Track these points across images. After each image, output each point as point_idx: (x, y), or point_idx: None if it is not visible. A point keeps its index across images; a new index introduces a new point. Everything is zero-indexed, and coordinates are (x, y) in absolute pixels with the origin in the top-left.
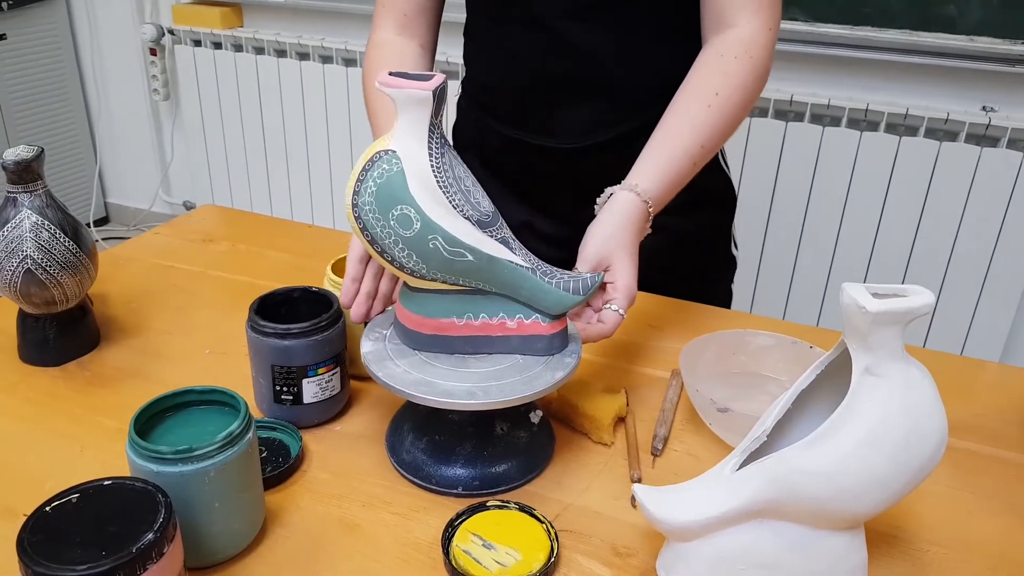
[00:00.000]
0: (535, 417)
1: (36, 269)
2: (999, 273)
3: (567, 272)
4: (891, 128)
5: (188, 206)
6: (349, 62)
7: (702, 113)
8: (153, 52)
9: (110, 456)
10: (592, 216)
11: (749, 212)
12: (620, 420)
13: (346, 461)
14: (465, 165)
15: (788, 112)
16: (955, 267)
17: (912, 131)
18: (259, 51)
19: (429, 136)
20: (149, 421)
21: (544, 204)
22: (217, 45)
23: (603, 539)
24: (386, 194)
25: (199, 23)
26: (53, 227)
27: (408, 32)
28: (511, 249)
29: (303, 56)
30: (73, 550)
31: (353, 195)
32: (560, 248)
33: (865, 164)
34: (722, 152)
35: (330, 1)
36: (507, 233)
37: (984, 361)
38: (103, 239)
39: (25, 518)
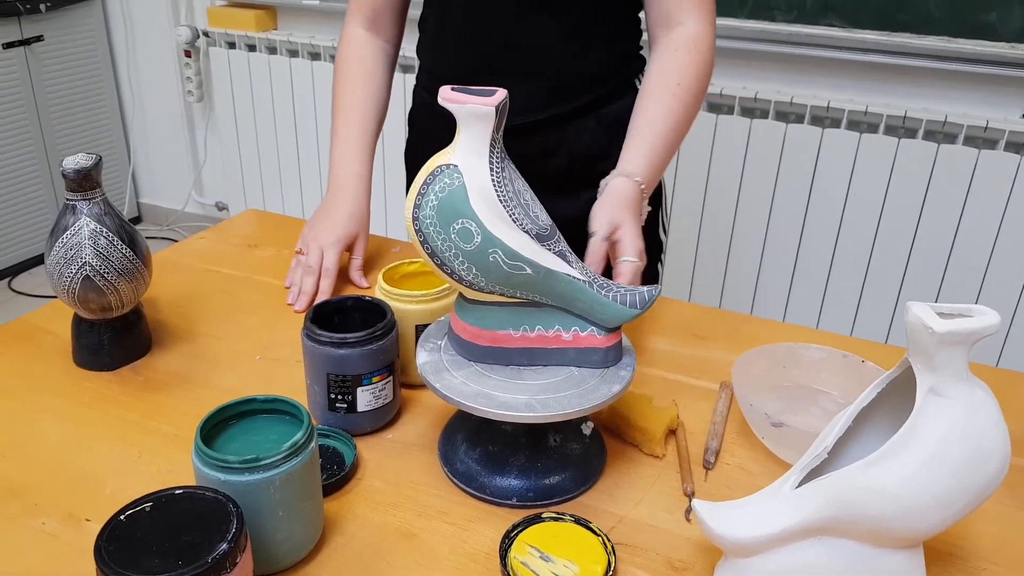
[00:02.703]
0: (587, 429)
1: (94, 275)
2: None
3: (624, 286)
4: (929, 135)
5: (220, 207)
6: None
7: (669, 101)
8: (188, 54)
9: (167, 461)
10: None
11: (784, 219)
12: (671, 432)
13: (400, 469)
14: (524, 179)
15: (824, 118)
16: (992, 276)
17: (951, 138)
18: (293, 53)
19: (490, 151)
20: (213, 429)
21: None
22: (251, 47)
23: (659, 552)
24: (447, 208)
25: (233, 25)
26: (111, 234)
27: (376, 28)
28: (568, 262)
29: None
30: (150, 558)
31: (414, 208)
32: None
33: (902, 171)
34: None
35: None
36: (564, 246)
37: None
38: None
39: (87, 521)
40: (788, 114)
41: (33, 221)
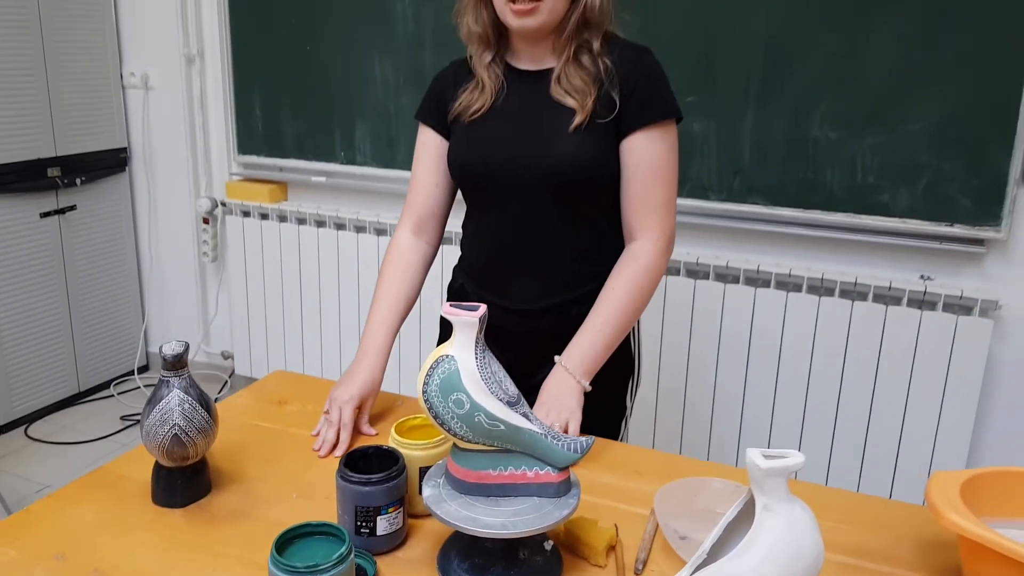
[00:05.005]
0: (548, 545)
1: (181, 434)
2: (947, 418)
3: (570, 436)
4: (844, 293)
5: (226, 356)
6: (380, 232)
7: (603, 303)
8: (206, 220)
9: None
10: (530, 372)
11: (728, 367)
12: (611, 547)
13: None
14: (498, 362)
15: (757, 279)
16: (910, 411)
17: (862, 296)
18: (301, 221)
19: (475, 346)
20: (281, 545)
21: (502, 357)
22: (264, 216)
23: None
24: (447, 385)
25: (249, 197)
26: (194, 402)
27: (420, 231)
28: (531, 421)
29: (340, 227)
30: None
31: (423, 385)
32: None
33: (824, 323)
34: (636, 333)
35: (364, 181)
36: (527, 409)
37: (886, 499)
38: (144, 385)
39: None
40: (726, 275)
41: (50, 371)
